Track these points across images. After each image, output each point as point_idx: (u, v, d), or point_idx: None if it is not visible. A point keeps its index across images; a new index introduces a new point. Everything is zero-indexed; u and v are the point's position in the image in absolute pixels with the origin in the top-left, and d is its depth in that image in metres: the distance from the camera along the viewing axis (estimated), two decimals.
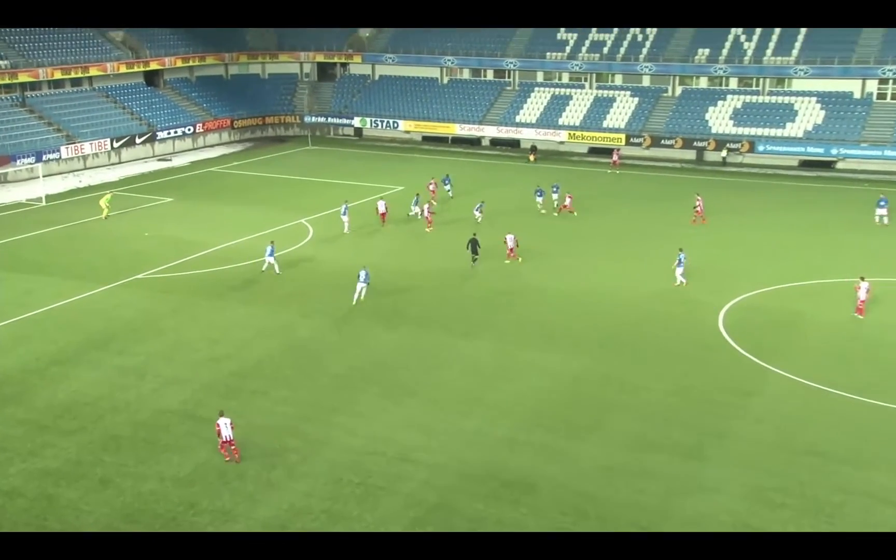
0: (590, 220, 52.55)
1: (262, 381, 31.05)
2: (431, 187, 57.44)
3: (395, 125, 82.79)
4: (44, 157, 66.09)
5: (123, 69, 77.41)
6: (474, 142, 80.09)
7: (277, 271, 42.19)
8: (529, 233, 48.19)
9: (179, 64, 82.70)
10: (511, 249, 44.00)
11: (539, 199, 54.52)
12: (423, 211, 51.60)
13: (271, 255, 42.31)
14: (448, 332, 35.31)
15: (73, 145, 69.07)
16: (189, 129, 78.69)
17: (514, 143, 78.61)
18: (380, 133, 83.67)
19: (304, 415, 28.55)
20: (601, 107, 77.80)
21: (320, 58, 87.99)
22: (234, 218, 53.07)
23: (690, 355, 33.05)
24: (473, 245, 43.26)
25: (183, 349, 33.79)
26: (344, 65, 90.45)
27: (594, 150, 75.10)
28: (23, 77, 70.28)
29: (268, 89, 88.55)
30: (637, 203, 57.09)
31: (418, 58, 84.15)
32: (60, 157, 67.89)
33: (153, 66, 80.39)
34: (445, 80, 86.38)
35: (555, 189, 55.72)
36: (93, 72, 75.34)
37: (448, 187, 57.65)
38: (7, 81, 69.94)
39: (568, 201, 53.92)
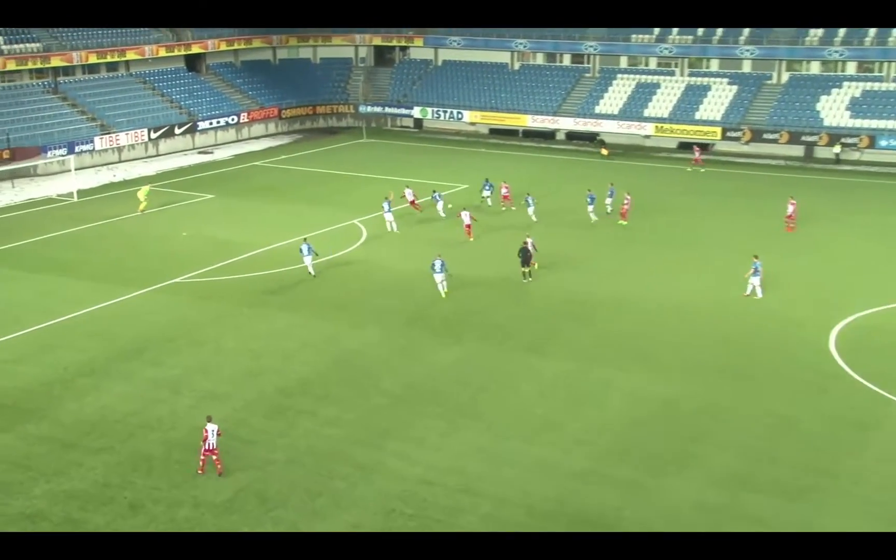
0: (665, 223, 51.76)
1: (308, 398, 31.18)
2: (500, 192, 56.44)
3: (460, 116, 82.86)
4: (76, 149, 67.81)
5: (163, 53, 79.06)
6: (547, 135, 79.71)
7: (312, 273, 42.86)
8: (594, 237, 47.59)
9: (223, 47, 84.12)
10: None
11: (591, 207, 51.69)
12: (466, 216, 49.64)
13: (308, 254, 42.86)
14: (515, 348, 35.07)
15: (107, 136, 70.74)
16: (233, 119, 79.95)
17: (591, 137, 77.99)
18: (442, 125, 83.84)
19: (353, 437, 28.56)
20: (693, 96, 76.68)
21: (378, 41, 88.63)
22: (279, 217, 53.63)
23: (795, 380, 32.15)
24: (524, 254, 41.83)
25: (222, 361, 34.16)
26: (404, 48, 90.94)
27: (684, 146, 73.99)
28: (55, 61, 72.25)
29: (319, 75, 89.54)
30: (725, 205, 55.99)
31: (486, 41, 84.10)
32: (94, 149, 69.57)
33: (195, 49, 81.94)
34: (516, 65, 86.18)
35: (610, 192, 53.90)
36: (130, 56, 77.11)
37: (488, 194, 56.54)
38: (39, 66, 71.98)
39: (626, 204, 51.98)
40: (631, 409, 30.16)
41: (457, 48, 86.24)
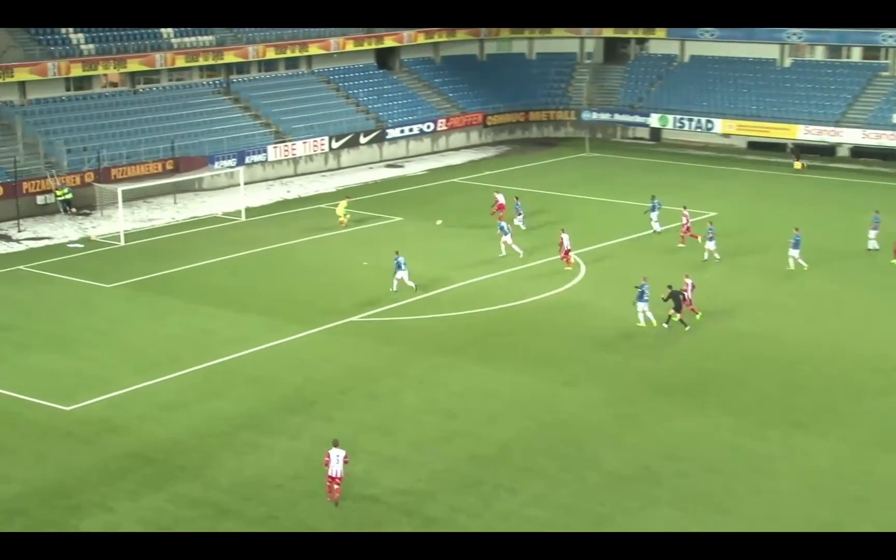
0: None
1: (510, 472, 31.02)
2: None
3: (710, 126, 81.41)
4: (246, 159, 71.18)
5: (350, 46, 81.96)
6: (825, 150, 76.82)
7: (412, 284, 46.10)
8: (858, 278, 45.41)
9: (421, 40, 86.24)
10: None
11: (795, 252, 50.30)
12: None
13: (402, 268, 45.65)
14: (773, 421, 34.03)
15: (282, 145, 73.91)
16: (428, 127, 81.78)
17: (886, 155, 74.52)
18: (686, 136, 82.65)
19: (563, 523, 28.15)
20: None
21: (609, 32, 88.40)
22: (479, 247, 54.14)
23: None
24: (676, 298, 42.16)
25: (405, 421, 34.55)
26: (641, 41, 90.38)
27: None
28: (229, 57, 76.28)
29: (534, 74, 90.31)
30: None
31: (749, 31, 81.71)
32: (266, 160, 72.80)
33: (388, 42, 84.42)
34: (787, 61, 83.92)
35: (875, 221, 53.39)
36: (312, 50, 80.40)
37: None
38: (211, 62, 76.22)
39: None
40: None
41: (709, 40, 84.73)
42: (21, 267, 51.92)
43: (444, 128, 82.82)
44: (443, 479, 30.68)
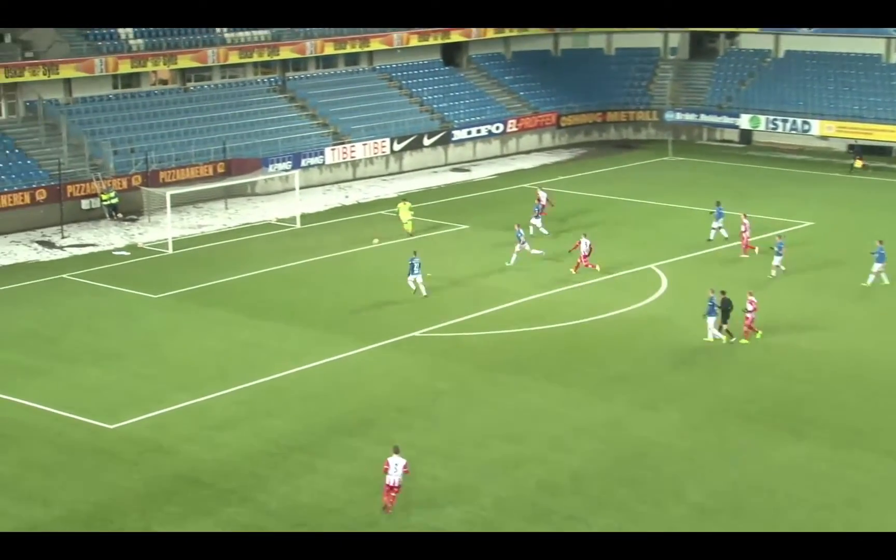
0: None
1: (582, 502, 31.03)
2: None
3: (806, 127, 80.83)
4: (302, 162, 71.91)
5: (415, 41, 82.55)
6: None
7: (414, 289, 47.68)
8: None
9: (491, 34, 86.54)
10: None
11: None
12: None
13: (416, 272, 47.93)
14: (867, 449, 33.76)
15: (340, 147, 74.56)
16: (497, 128, 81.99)
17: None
18: (780, 138, 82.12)
19: None
20: None
21: None
22: (552, 257, 54.28)
23: None
24: (725, 308, 42.66)
25: (468, 443, 34.72)
26: (731, 35, 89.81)
27: None
28: (285, 52, 77.12)
29: (613, 71, 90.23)
30: None
31: None
32: (324, 163, 73.50)
33: (455, 37, 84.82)
34: (893, 57, 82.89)
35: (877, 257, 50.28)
36: (374, 45, 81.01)
37: (719, 226, 56.36)
38: (266, 58, 77.09)
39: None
40: None
41: (806, 34, 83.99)
42: (64, 275, 52.99)
43: (515, 129, 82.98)
44: (509, 508, 30.76)
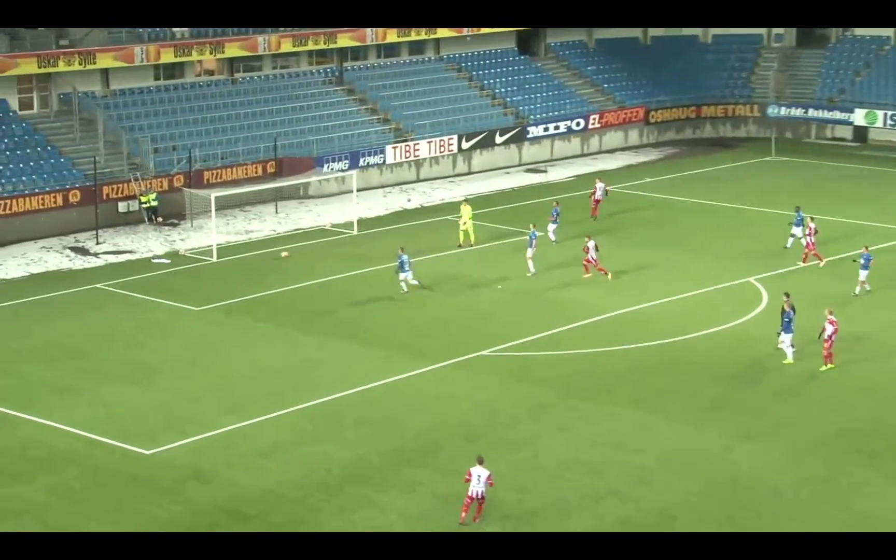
0: None
1: (672, 540, 30.61)
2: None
3: None
4: (361, 162, 72.06)
5: (487, 29, 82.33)
6: None
7: (405, 290, 49.92)
8: None
9: None
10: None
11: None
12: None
13: (406, 270, 49.85)
14: None
15: (403, 145, 74.65)
16: (578, 124, 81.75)
17: None
18: None
19: None
20: None
21: None
22: (638, 268, 54.00)
23: None
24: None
25: (543, 476, 34.43)
26: None
27: None
28: (343, 40, 77.18)
29: (709, 61, 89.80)
30: None
31: None
32: (384, 162, 73.57)
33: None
34: None
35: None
36: (441, 32, 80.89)
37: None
38: (322, 46, 77.17)
39: None
40: None
41: None
42: (99, 285, 53.44)
43: (597, 125, 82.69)
44: None
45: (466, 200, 61.35)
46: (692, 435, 37.02)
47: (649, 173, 75.52)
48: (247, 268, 56.08)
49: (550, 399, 39.90)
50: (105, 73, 69.31)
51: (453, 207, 66.22)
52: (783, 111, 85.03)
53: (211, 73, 75.44)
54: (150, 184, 64.80)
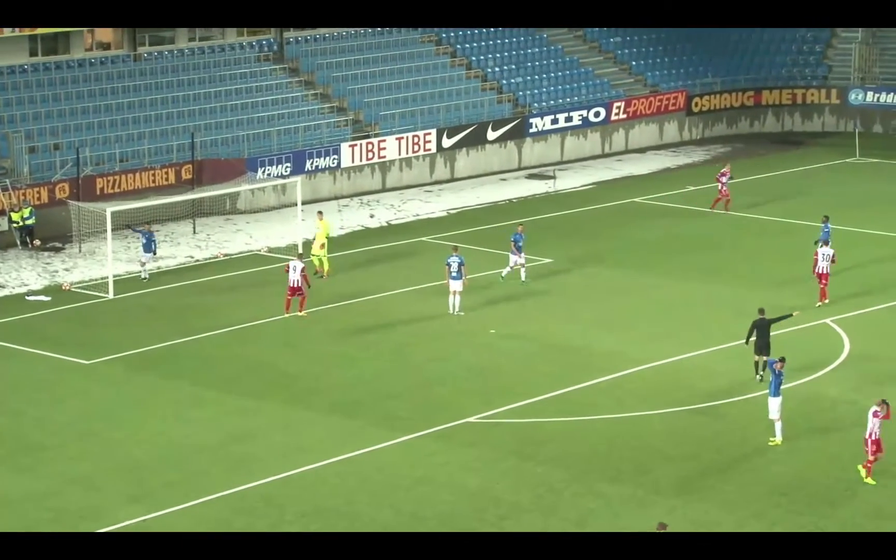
0: None
1: None
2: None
3: None
4: (307, 165, 72.10)
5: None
6: None
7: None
8: None
9: None
10: None
11: None
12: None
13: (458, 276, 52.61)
14: None
15: (364, 142, 74.84)
16: (597, 114, 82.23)
17: None
18: None
19: None
20: None
21: None
22: (679, 305, 54.56)
23: None
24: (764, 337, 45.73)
25: None
26: None
27: None
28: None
29: (768, 37, 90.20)
30: None
31: None
32: (338, 166, 73.71)
33: None
34: None
35: None
36: None
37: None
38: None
39: None
40: None
41: None
42: None
43: (623, 116, 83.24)
44: None
45: (321, 213, 61.12)
46: (760, 529, 36.99)
47: (692, 179, 75.89)
48: (155, 307, 56.10)
49: (561, 482, 39.76)
50: None
51: (433, 226, 66.37)
52: (869, 97, 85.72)
53: (106, 46, 75.28)
54: (24, 195, 64.56)
